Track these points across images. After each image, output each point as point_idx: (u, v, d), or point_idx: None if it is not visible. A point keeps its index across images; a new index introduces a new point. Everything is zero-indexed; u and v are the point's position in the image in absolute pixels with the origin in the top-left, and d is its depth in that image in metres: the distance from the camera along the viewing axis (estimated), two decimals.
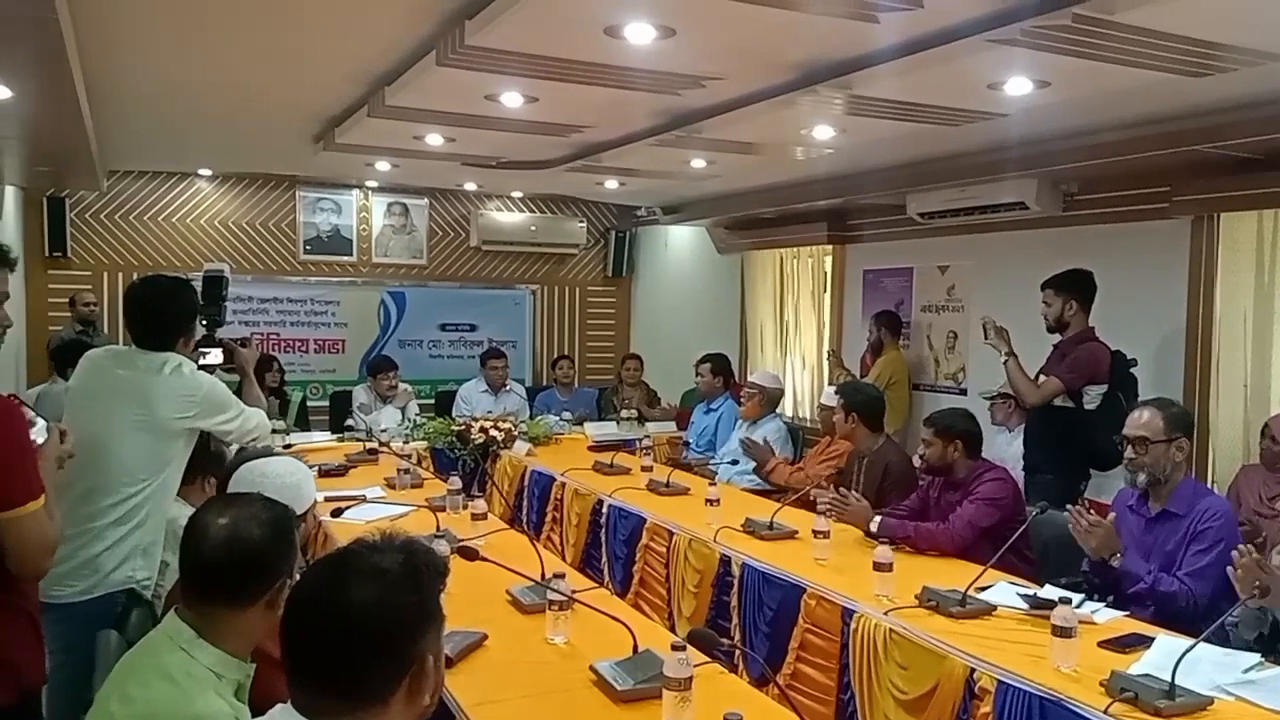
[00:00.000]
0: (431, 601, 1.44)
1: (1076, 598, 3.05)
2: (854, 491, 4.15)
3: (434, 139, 5.74)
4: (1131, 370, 4.66)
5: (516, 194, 9.17)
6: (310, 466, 3.29)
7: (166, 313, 2.98)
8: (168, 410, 2.87)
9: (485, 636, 2.74)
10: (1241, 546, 2.75)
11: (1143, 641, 2.77)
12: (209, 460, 3.13)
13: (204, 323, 3.33)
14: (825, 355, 7.34)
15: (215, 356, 3.33)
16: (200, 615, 1.82)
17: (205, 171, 8.24)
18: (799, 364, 8.02)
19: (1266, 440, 4.26)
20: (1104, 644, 2.76)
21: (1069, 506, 3.27)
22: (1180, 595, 3.04)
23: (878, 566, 3.24)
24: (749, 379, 6.32)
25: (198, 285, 3.34)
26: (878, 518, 3.81)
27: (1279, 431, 4.21)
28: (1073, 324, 4.59)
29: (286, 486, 2.59)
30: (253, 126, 6.03)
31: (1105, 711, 2.34)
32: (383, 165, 7.22)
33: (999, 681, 2.58)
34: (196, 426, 2.96)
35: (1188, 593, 3.04)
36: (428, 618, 1.43)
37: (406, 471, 5.00)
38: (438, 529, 3.72)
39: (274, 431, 5.90)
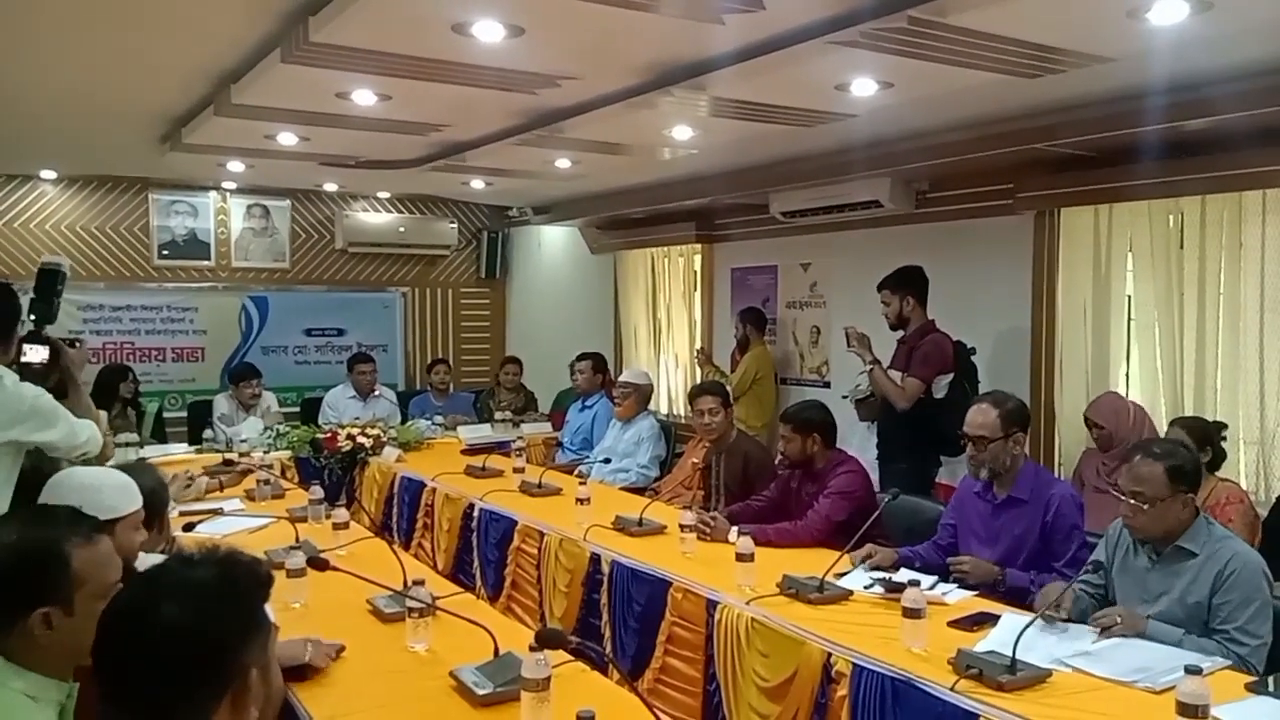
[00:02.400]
0: (254, 613, 1.40)
1: (928, 580, 3.17)
2: (718, 504, 4.19)
3: (287, 138, 5.57)
4: (971, 359, 4.86)
5: (383, 194, 8.98)
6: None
7: None
8: None
9: (343, 648, 2.68)
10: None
11: (989, 619, 2.88)
12: None
13: (33, 318, 3.12)
14: (694, 354, 7.43)
15: (39, 354, 3.07)
16: None
17: (49, 174, 7.79)
18: (672, 363, 8.09)
19: (1093, 429, 4.50)
20: (953, 623, 2.87)
21: (949, 559, 3.34)
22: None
23: (740, 557, 3.29)
24: (621, 378, 6.35)
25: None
26: (735, 529, 3.72)
27: (1098, 417, 4.45)
28: (913, 319, 4.77)
29: (86, 488, 2.38)
30: (94, 127, 5.74)
31: (952, 688, 2.42)
32: (236, 166, 6.97)
33: (854, 664, 2.66)
34: (21, 441, 2.80)
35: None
36: (249, 630, 1.38)
37: (267, 483, 4.84)
38: (296, 540, 3.62)
39: (127, 445, 5.71)
